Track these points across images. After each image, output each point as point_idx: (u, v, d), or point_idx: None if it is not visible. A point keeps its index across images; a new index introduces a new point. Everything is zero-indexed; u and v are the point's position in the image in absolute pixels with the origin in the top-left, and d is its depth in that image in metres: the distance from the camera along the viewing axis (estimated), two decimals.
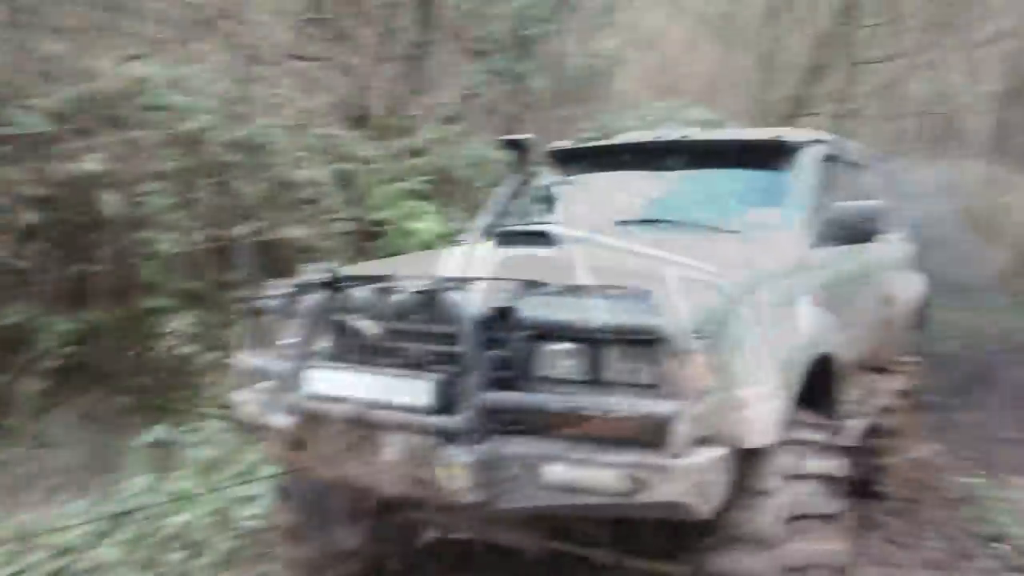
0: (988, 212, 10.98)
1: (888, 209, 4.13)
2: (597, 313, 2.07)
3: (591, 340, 2.10)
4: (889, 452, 4.05)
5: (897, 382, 4.16)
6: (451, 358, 2.16)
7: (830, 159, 3.64)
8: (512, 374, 2.16)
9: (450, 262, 2.64)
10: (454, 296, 2.20)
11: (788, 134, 3.55)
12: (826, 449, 2.58)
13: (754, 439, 2.22)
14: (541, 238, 2.79)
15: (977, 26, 12.00)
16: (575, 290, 2.19)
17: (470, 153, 7.33)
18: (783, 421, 2.33)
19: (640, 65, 11.95)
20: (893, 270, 4.26)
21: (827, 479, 2.52)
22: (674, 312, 2.03)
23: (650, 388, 2.02)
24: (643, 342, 2.01)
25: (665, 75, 12.50)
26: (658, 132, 3.92)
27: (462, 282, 2.32)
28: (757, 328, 2.34)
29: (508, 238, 2.93)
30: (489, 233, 3.32)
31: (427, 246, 5.46)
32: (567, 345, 2.14)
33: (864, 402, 3.49)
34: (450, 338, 2.17)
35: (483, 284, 2.30)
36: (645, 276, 2.19)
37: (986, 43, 12.35)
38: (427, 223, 5.96)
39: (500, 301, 2.18)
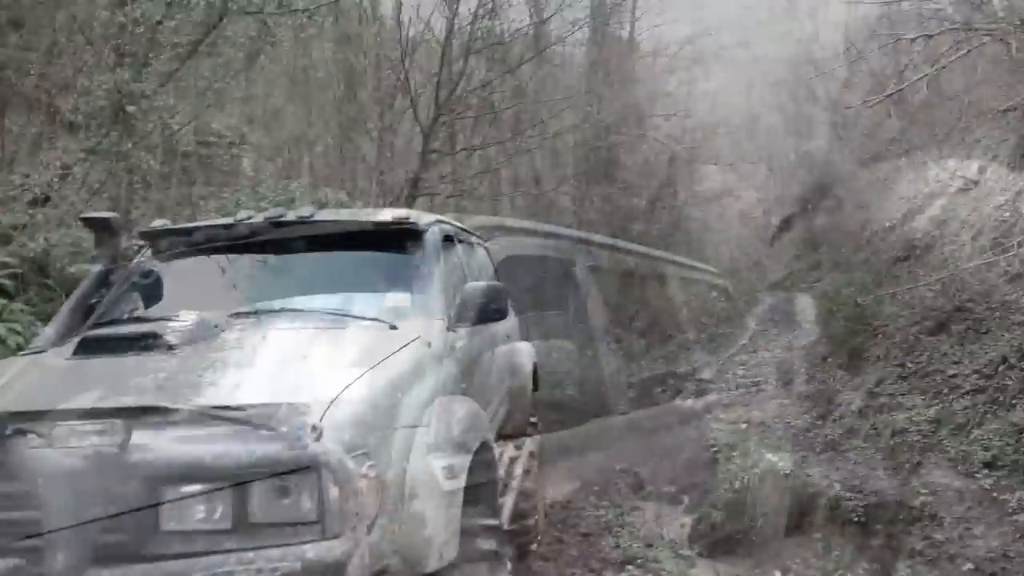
0: (581, 275, 13.06)
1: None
2: (236, 443, 1.67)
3: (232, 478, 1.66)
4: (534, 506, 4.40)
5: (529, 442, 4.58)
6: (26, 531, 1.58)
7: (449, 239, 3.68)
8: (128, 537, 1.64)
9: (14, 386, 1.98)
10: (22, 442, 1.62)
11: (414, 216, 3.43)
12: (493, 534, 2.55)
13: (434, 561, 2.01)
14: (143, 342, 2.19)
15: (553, 121, 14.37)
16: (204, 415, 1.74)
17: (68, 240, 6.35)
18: (458, 529, 2.15)
19: (264, 145, 11.81)
20: (512, 341, 4.64)
21: (495, 558, 2.51)
22: (330, 431, 1.73)
23: (312, 526, 1.67)
24: (297, 472, 1.66)
25: (290, 155, 12.52)
26: (274, 211, 3.37)
27: (35, 417, 1.71)
28: (419, 430, 2.14)
29: (100, 344, 2.24)
30: (72, 336, 2.54)
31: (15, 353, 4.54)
32: (201, 487, 1.68)
33: (510, 473, 3.69)
34: (23, 501, 1.60)
35: (71, 416, 1.71)
36: (285, 386, 1.89)
37: (559, 135, 14.86)
38: (13, 327, 4.97)
39: (100, 439, 1.63)
